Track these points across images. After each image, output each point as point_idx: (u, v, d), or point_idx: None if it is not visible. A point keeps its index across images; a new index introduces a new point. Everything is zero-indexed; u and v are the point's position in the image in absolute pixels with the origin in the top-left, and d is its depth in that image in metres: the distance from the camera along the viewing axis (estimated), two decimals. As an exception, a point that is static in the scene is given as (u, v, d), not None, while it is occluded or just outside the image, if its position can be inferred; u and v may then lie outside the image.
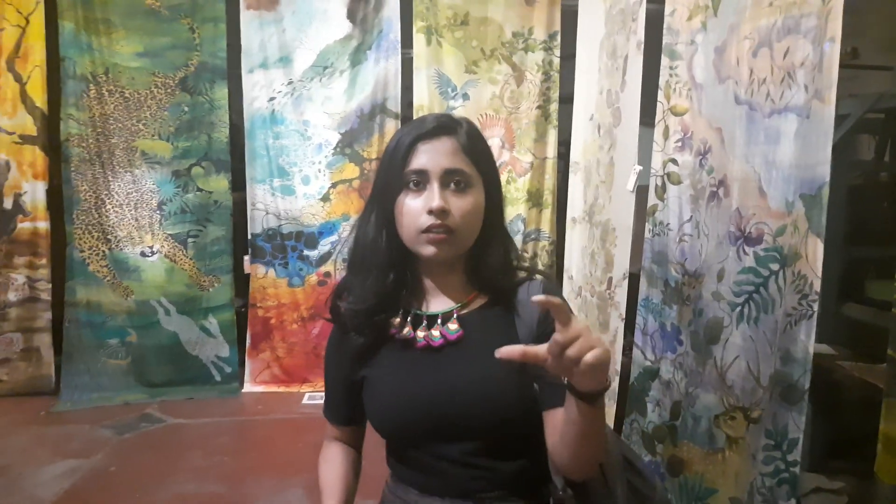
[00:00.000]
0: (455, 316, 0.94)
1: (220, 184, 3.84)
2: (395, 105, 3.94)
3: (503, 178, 4.02)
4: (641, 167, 2.81)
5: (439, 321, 0.94)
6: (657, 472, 2.46)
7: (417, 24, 3.86)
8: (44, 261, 3.62)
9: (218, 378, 3.89)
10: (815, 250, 1.84)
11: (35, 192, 3.59)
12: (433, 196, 0.88)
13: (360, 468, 1.09)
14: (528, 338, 0.91)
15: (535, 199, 4.03)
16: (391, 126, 3.95)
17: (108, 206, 3.69)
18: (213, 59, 3.75)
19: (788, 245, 1.95)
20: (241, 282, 4.00)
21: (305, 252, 4.00)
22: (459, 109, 3.96)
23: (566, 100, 3.84)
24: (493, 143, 3.99)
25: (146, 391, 3.71)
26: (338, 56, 3.87)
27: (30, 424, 3.31)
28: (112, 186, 3.69)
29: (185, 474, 2.78)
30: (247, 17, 3.75)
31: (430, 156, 0.89)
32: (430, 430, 0.91)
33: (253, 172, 3.87)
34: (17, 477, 2.74)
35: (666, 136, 2.56)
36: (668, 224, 2.52)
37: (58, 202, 3.66)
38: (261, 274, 3.95)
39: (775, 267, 2.00)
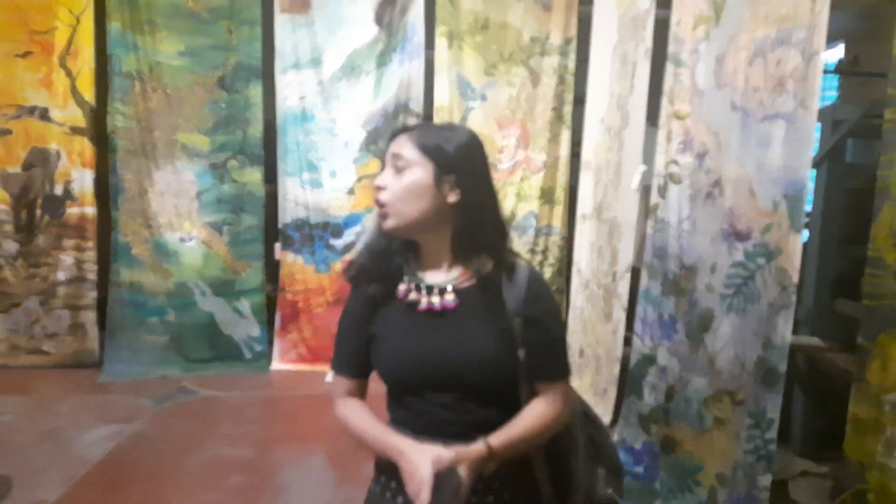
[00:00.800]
0: (451, 288, 1.10)
1: (253, 176, 4.11)
2: (417, 105, 4.16)
3: (517, 175, 4.22)
4: (646, 167, 2.99)
5: (437, 290, 1.10)
6: (651, 451, 2.65)
7: (440, 29, 4.07)
8: (90, 244, 3.93)
9: (248, 356, 4.16)
10: (795, 246, 2.02)
11: (83, 180, 3.89)
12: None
13: None
14: (515, 313, 1.09)
15: (547, 196, 4.22)
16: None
17: (151, 195, 3.98)
18: (249, 59, 4.01)
19: (773, 241, 2.13)
20: (272, 267, 4.26)
21: (331, 241, 4.24)
22: (478, 110, 4.17)
23: (580, 102, 4.02)
24: (509, 142, 4.20)
25: (182, 366, 3.99)
26: (365, 58, 4.10)
27: (76, 393, 3.60)
28: (154, 176, 3.97)
29: (217, 440, 3.04)
30: (281, 20, 4.00)
31: (390, 148, 1.10)
32: (426, 378, 1.09)
33: (284, 166, 4.13)
34: (67, 439, 3.02)
35: (669, 138, 2.74)
36: (668, 221, 2.70)
37: (104, 190, 3.96)
38: (290, 261, 4.20)
39: (762, 262, 2.18)
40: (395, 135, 1.11)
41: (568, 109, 4.14)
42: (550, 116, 4.15)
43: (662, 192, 2.74)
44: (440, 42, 4.08)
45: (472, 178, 1.10)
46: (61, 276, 3.91)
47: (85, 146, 3.88)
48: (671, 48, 2.73)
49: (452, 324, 1.09)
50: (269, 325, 4.22)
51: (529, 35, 4.10)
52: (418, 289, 1.12)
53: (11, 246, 3.88)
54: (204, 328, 4.09)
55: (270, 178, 4.18)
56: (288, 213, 4.18)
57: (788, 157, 2.11)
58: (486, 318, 1.08)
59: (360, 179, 4.22)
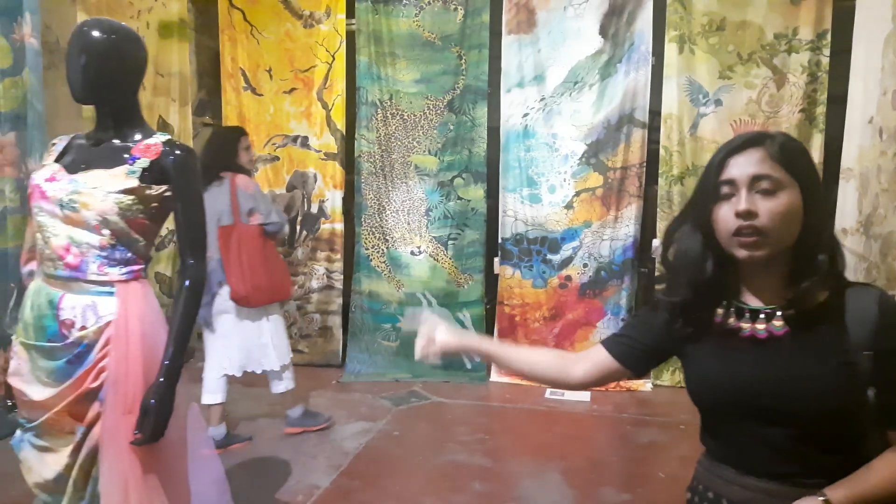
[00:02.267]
0: (780, 314, 0.99)
1: (477, 193, 4.29)
2: (642, 114, 4.03)
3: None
4: (941, 175, 2.56)
5: (763, 316, 1.00)
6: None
7: (670, 34, 3.90)
8: (338, 256, 4.41)
9: (468, 366, 4.33)
10: None
11: (334, 200, 4.38)
12: (740, 201, 0.96)
13: (556, 375, 1.20)
14: (863, 346, 0.95)
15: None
16: (638, 135, 4.04)
17: (388, 212, 4.35)
18: (476, 82, 4.20)
19: None
20: (491, 281, 4.40)
21: (549, 256, 4.27)
22: (711, 116, 3.91)
23: (835, 101, 3.58)
24: (748, 149, 3.87)
25: (411, 371, 4.28)
26: (588, 71, 4.07)
27: (326, 390, 4.04)
28: (391, 195, 4.34)
29: (454, 445, 3.20)
30: (507, 42, 4.14)
31: (739, 167, 0.98)
32: (751, 412, 0.99)
33: (505, 182, 4.25)
34: (327, 431, 3.38)
35: (978, 140, 2.31)
36: (978, 238, 2.27)
37: (349, 207, 4.42)
38: (508, 275, 4.31)
39: None
40: (736, 150, 1.00)
41: (821, 110, 3.71)
42: (798, 119, 3.75)
43: (971, 204, 2.31)
44: (669, 48, 3.91)
45: (815, 190, 0.99)
46: (315, 284, 4.43)
47: (336, 170, 4.36)
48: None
49: (781, 354, 0.99)
50: (487, 336, 4.37)
51: (773, 32, 3.75)
52: (740, 314, 1.03)
53: (276, 257, 4.49)
54: (430, 336, 4.35)
55: (492, 194, 4.33)
56: (507, 227, 4.29)
57: None
58: (824, 350, 0.96)
59: (577, 194, 4.19)
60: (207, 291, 2.89)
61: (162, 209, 1.35)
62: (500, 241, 4.33)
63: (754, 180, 0.97)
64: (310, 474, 2.84)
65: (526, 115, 4.18)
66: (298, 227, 4.47)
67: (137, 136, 1.37)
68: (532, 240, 4.28)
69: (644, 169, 4.08)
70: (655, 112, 4.05)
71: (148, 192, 1.31)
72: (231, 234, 2.91)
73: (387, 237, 4.36)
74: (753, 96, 3.84)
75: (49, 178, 1.31)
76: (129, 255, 1.33)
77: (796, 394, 0.96)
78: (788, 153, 0.98)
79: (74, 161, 1.35)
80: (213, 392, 3.00)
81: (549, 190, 4.24)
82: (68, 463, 1.27)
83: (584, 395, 3.99)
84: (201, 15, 4.63)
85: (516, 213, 4.28)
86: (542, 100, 4.16)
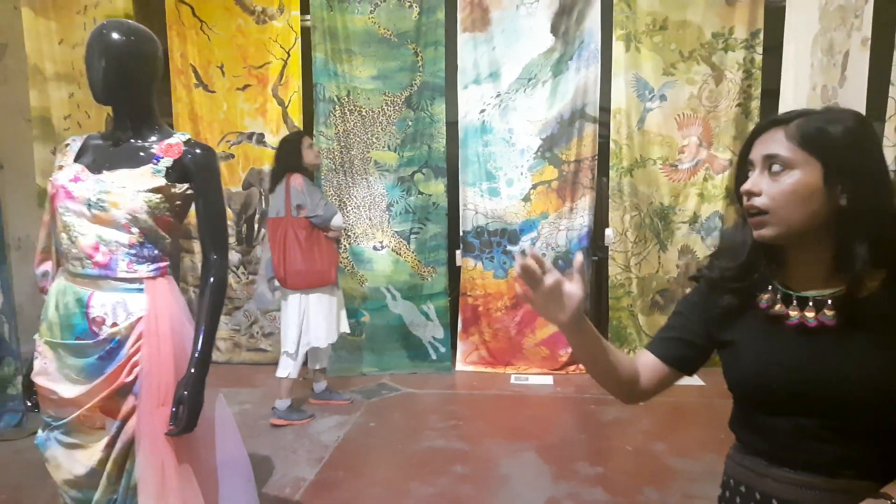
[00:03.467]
0: (829, 302, 0.95)
1: (437, 188, 4.38)
2: (593, 110, 4.23)
3: (700, 175, 4.15)
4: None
5: (811, 303, 0.96)
6: None
7: (617, 32, 4.11)
8: (300, 253, 4.38)
9: (434, 357, 4.43)
10: None
11: (294, 197, 4.35)
12: (749, 180, 0.96)
13: (631, 376, 1.08)
14: None
15: (733, 196, 4.10)
16: (589, 129, 4.24)
17: (349, 208, 4.37)
18: (434, 79, 4.28)
19: None
20: (454, 273, 4.51)
21: (508, 247, 4.42)
22: (656, 111, 4.15)
23: (769, 96, 3.88)
24: (690, 141, 4.14)
25: (378, 364, 4.35)
26: (541, 68, 4.24)
27: (295, 387, 4.01)
28: (352, 191, 4.37)
29: (430, 433, 3.29)
30: (463, 39, 4.24)
31: (757, 147, 0.97)
32: (794, 402, 0.96)
33: (465, 177, 4.36)
34: (301, 427, 3.41)
35: (899, 131, 2.60)
36: None
37: (310, 205, 4.40)
38: (470, 266, 4.43)
39: None
40: (762, 130, 0.98)
41: (755, 105, 4.01)
42: (735, 113, 4.04)
43: (894, 187, 2.59)
44: (617, 46, 4.12)
45: (866, 176, 0.93)
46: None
47: (295, 166, 4.34)
48: (898, 35, 2.59)
49: (830, 343, 0.95)
50: (451, 327, 4.48)
51: (711, 31, 4.02)
52: (787, 300, 0.98)
53: (234, 256, 4.44)
54: (395, 329, 4.42)
55: (452, 188, 4.43)
56: (468, 221, 4.41)
57: None
58: (874, 340, 0.92)
59: (534, 186, 4.36)
60: (268, 274, 3.36)
61: (185, 207, 1.38)
62: (461, 233, 4.44)
63: (766, 160, 0.95)
64: (293, 468, 2.87)
65: (483, 110, 4.31)
66: (256, 226, 4.43)
67: (155, 136, 1.39)
68: (492, 232, 4.41)
69: (596, 162, 4.29)
70: (605, 108, 4.26)
71: (173, 190, 1.33)
72: (279, 225, 3.33)
73: (348, 233, 4.38)
74: (695, 92, 4.10)
75: (73, 178, 1.31)
76: (157, 252, 1.35)
77: (843, 384, 0.93)
78: (809, 132, 0.92)
79: (96, 161, 1.35)
80: (284, 367, 3.44)
81: (507, 183, 4.38)
82: (102, 457, 1.28)
83: (548, 379, 4.17)
84: (144, 10, 4.50)
85: (476, 207, 4.40)
86: (497, 96, 4.29)
